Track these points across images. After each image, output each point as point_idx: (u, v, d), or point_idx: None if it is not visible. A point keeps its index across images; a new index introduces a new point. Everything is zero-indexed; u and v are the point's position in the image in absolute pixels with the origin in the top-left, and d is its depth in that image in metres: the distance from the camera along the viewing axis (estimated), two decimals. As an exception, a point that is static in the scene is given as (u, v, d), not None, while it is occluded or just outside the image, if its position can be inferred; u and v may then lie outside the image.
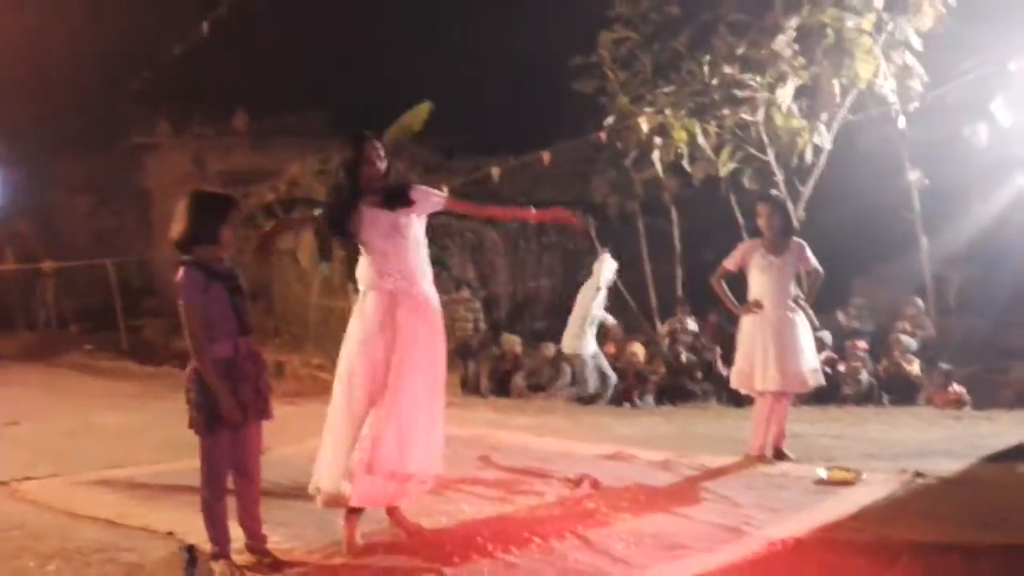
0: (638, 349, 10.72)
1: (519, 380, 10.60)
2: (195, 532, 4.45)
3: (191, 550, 4.45)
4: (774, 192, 7.35)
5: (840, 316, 11.03)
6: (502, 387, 10.68)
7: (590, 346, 10.17)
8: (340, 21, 17.38)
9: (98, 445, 7.29)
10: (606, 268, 10.08)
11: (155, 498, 5.58)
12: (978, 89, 9.85)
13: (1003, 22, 9.73)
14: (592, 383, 10.11)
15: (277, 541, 4.46)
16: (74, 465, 6.55)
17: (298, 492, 5.51)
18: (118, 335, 15.13)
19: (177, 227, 4.19)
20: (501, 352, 11.15)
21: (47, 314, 16.40)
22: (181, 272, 4.16)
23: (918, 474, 5.49)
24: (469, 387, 11.02)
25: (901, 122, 10.32)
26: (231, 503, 4.29)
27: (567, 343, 10.29)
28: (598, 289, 10.12)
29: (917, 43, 9.83)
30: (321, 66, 17.36)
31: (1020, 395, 8.88)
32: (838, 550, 4.34)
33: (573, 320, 10.26)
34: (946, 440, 6.76)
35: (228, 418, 4.09)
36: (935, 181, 10.93)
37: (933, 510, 4.91)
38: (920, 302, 10.99)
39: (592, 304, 10.14)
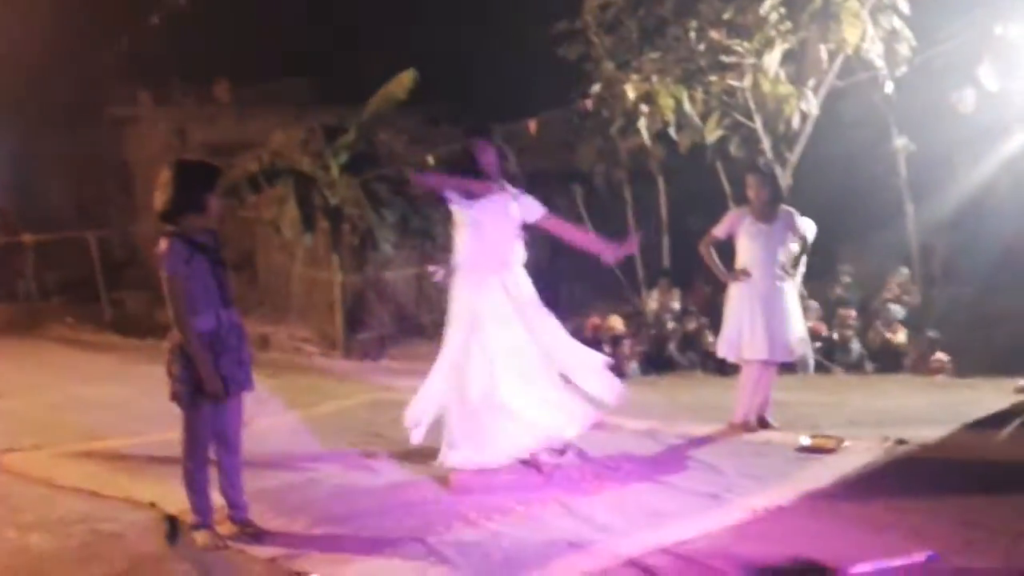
0: (616, 321, 10.63)
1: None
2: (177, 503, 4.45)
3: (173, 520, 4.45)
4: (762, 161, 7.28)
5: (839, 289, 10.99)
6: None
7: None
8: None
9: (81, 417, 7.26)
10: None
11: (137, 469, 5.57)
12: (964, 53, 9.76)
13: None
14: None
15: (259, 511, 4.45)
16: (57, 437, 6.53)
17: (280, 463, 5.53)
18: (100, 307, 15.03)
19: (161, 198, 4.08)
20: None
21: (27, 287, 16.27)
22: (164, 243, 4.07)
23: (900, 441, 5.52)
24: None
25: (888, 87, 10.24)
26: (213, 474, 4.28)
27: None
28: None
29: (904, 6, 9.74)
30: (304, 32, 17.13)
31: (1003, 363, 8.88)
32: (820, 517, 4.36)
33: None
34: (929, 407, 6.80)
35: (211, 392, 4.06)
36: (922, 147, 10.87)
37: (915, 477, 4.94)
38: (906, 270, 10.99)
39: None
